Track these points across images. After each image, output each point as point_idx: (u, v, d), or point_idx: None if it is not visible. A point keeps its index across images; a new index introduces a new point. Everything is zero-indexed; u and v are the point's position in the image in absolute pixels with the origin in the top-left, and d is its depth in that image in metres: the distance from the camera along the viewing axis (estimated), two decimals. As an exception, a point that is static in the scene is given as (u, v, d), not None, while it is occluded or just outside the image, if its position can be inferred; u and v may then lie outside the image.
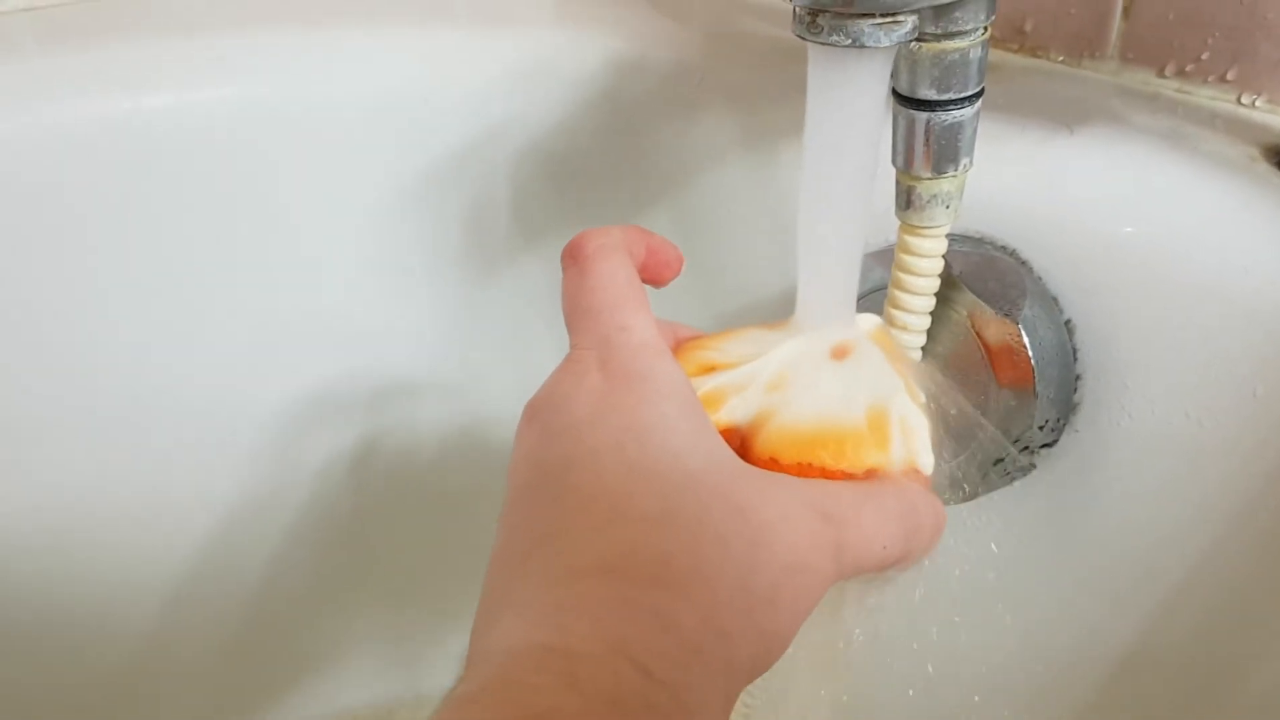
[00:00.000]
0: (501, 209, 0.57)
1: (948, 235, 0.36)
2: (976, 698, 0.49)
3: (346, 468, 0.60)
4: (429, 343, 0.60)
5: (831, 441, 0.28)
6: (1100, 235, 0.38)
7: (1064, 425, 0.40)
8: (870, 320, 0.32)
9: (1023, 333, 0.38)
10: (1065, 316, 0.39)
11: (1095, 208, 0.38)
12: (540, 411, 0.27)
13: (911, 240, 0.35)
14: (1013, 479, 0.41)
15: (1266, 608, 0.37)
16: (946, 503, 0.42)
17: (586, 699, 0.21)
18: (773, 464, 0.28)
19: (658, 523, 0.24)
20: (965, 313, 0.39)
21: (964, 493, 0.42)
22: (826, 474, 0.28)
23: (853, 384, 0.30)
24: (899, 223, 0.36)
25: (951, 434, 0.41)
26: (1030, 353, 0.38)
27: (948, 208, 0.35)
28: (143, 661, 0.57)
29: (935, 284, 0.36)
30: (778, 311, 0.48)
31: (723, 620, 0.23)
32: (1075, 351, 0.39)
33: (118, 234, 0.51)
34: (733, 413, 0.29)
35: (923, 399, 0.31)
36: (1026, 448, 0.40)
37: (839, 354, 0.30)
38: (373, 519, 0.61)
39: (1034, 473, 0.41)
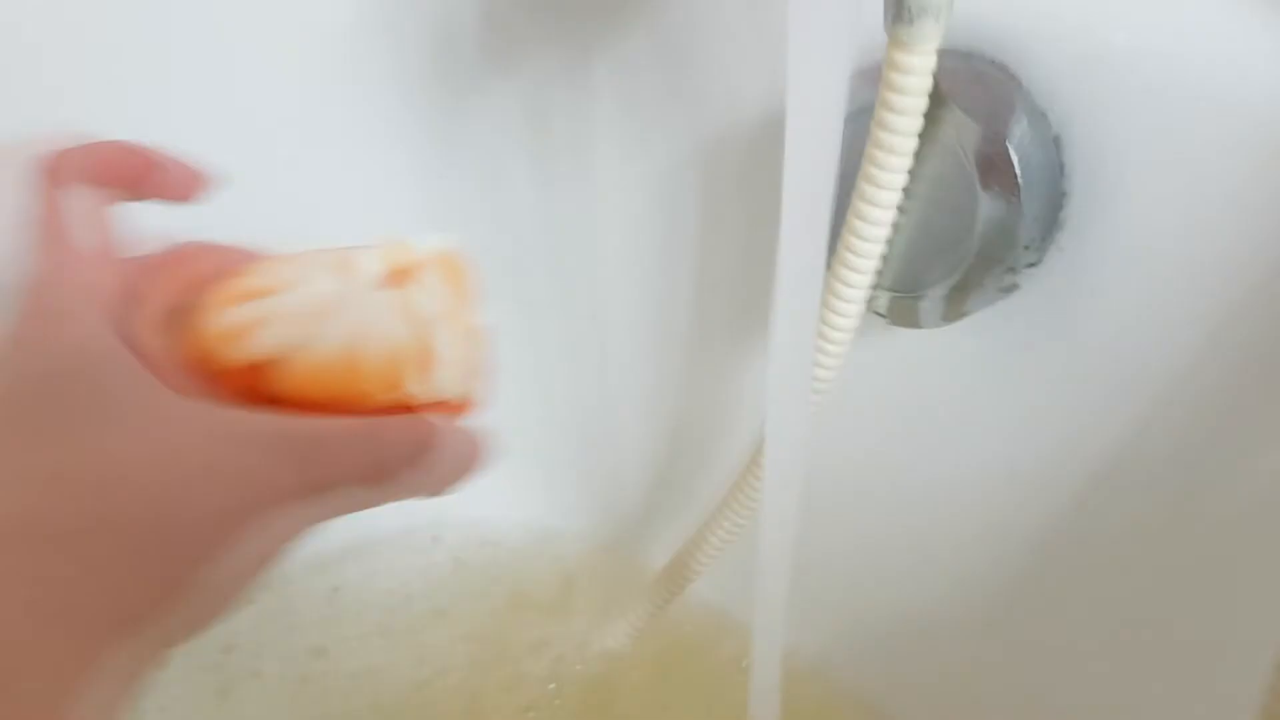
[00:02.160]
0: (468, 33, 0.54)
1: (936, 51, 0.34)
2: (956, 512, 0.50)
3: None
4: (394, 176, 0.59)
5: (350, 376, 0.27)
6: (1092, 45, 0.36)
7: (1049, 243, 0.40)
8: (439, 240, 0.30)
9: (1010, 151, 0.37)
10: (1054, 132, 0.38)
11: (1087, 15, 0.36)
12: None
13: (900, 57, 0.34)
14: (996, 299, 0.41)
15: (1250, 414, 0.38)
16: (931, 325, 0.42)
17: None
18: (295, 400, 0.27)
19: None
20: (953, 131, 0.38)
21: (947, 314, 0.42)
22: (348, 410, 0.27)
23: (396, 313, 0.28)
24: (887, 39, 0.34)
25: (933, 254, 0.40)
26: (1018, 171, 0.38)
27: (937, 20, 0.33)
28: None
29: (924, 103, 0.35)
30: (762, 131, 0.47)
31: (55, 573, 0.24)
32: (1063, 168, 0.38)
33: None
34: (257, 347, 0.27)
35: (480, 321, 0.30)
36: (1011, 268, 0.40)
37: (395, 279, 0.29)
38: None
39: (1018, 292, 0.41)
